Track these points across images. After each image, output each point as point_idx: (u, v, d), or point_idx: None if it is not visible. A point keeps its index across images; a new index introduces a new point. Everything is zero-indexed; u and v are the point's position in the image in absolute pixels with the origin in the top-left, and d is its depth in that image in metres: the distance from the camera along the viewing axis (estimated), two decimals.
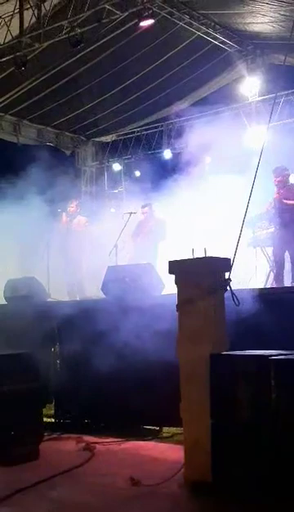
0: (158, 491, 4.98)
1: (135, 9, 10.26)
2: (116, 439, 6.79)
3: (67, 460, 5.96)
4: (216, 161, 12.99)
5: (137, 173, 15.42)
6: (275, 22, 11.08)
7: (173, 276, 5.42)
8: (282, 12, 10.44)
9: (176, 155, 14.83)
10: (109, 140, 16.14)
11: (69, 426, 7.50)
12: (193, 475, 5.06)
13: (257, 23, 11.43)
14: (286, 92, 12.70)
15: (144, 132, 15.63)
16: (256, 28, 11.63)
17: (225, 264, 5.36)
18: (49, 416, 7.65)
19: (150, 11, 10.32)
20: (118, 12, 10.35)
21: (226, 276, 5.29)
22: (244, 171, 10.18)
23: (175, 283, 5.40)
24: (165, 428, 7.02)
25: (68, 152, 16.20)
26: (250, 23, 11.49)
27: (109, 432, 6.97)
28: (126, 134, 15.93)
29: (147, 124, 15.34)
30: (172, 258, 5.47)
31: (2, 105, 13.67)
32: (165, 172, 13.30)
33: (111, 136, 15.98)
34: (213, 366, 4.99)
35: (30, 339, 7.39)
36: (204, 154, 13.55)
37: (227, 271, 5.31)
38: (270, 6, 10.46)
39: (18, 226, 11.57)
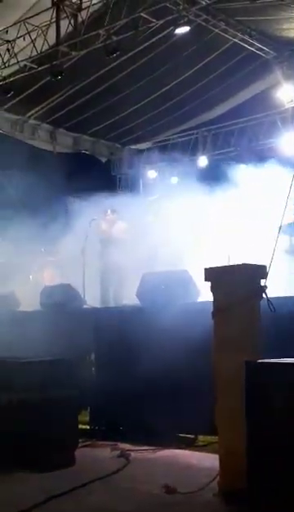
0: (192, 500, 4.99)
1: (171, 17, 10.32)
2: (151, 447, 6.80)
3: (102, 467, 6.00)
4: (251, 167, 12.99)
5: (173, 180, 15.44)
6: None
7: (209, 283, 5.44)
8: None
9: (212, 162, 14.82)
10: (145, 147, 16.21)
11: (103, 433, 7.54)
12: (228, 484, 5.05)
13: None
14: None
15: (180, 140, 15.66)
16: (293, 34, 11.60)
17: (261, 271, 5.35)
18: (84, 423, 7.71)
19: (186, 19, 10.38)
20: (153, 20, 10.42)
21: (262, 284, 5.29)
22: (281, 177, 10.16)
23: (211, 290, 5.41)
24: (200, 437, 7.02)
25: (103, 159, 16.33)
26: (287, 29, 11.46)
27: (144, 439, 6.96)
28: (161, 141, 15.98)
29: (183, 131, 15.38)
30: (208, 265, 5.49)
31: (39, 113, 13.86)
32: (201, 178, 13.32)
33: (147, 143, 16.05)
34: (249, 374, 4.97)
35: (66, 346, 7.46)
36: (239, 161, 13.56)
37: (263, 279, 5.30)
38: None
39: (54, 233, 11.70)
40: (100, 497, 5.17)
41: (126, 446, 6.84)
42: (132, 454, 6.52)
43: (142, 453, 6.62)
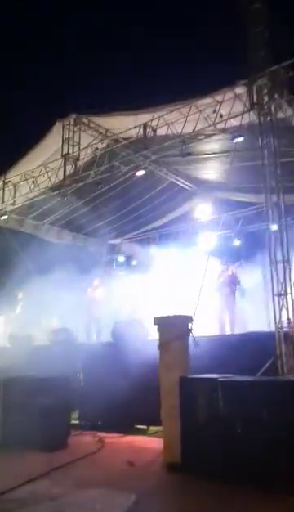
0: (146, 470, 4.86)
1: (133, 165, 10.66)
2: (118, 434, 6.59)
3: (86, 449, 5.78)
4: (181, 257, 13.21)
5: (134, 262, 15.53)
6: (216, 173, 11.55)
7: (156, 326, 5.43)
8: (222, 168, 10.95)
9: (159, 251, 14.91)
10: (117, 242, 16.33)
11: (87, 426, 7.24)
12: (170, 459, 4.90)
13: (207, 173, 11.89)
14: (226, 214, 13.08)
15: (139, 238, 15.84)
16: (205, 176, 12.07)
17: (189, 319, 5.39)
18: (74, 419, 7.41)
19: (143, 167, 10.73)
20: (123, 166, 10.74)
21: (189, 327, 5.31)
22: (201, 263, 10.37)
23: (157, 331, 5.40)
24: (151, 427, 6.81)
25: (91, 249, 16.34)
26: (204, 173, 11.93)
27: (114, 430, 6.75)
28: (127, 238, 16.12)
29: (140, 233, 15.59)
30: (156, 315, 5.50)
31: (51, 219, 13.92)
32: (151, 261, 13.57)
33: (118, 239, 16.17)
34: (182, 386, 4.91)
35: (64, 368, 7.22)
36: (172, 250, 13.77)
37: (190, 323, 5.34)
38: (213, 165, 10.96)
39: (60, 295, 11.51)
40: (84, 469, 4.97)
41: (102, 434, 6.61)
42: (106, 439, 6.30)
43: (112, 439, 6.40)
